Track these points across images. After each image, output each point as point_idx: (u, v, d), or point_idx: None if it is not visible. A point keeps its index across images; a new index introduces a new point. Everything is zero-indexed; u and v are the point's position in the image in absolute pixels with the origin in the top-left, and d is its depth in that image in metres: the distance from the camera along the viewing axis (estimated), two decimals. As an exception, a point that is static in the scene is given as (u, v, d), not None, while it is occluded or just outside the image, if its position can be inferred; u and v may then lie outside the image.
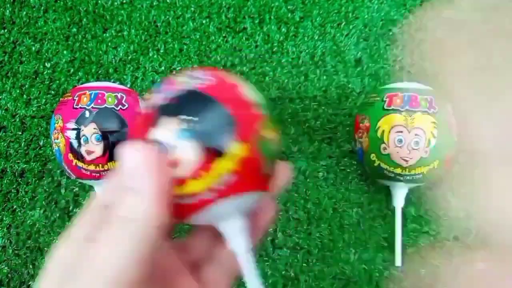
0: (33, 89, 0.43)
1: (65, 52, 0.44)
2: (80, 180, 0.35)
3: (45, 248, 0.38)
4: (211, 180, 0.17)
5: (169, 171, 0.17)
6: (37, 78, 0.43)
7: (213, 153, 0.17)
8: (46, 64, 0.43)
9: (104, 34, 0.44)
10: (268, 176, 0.19)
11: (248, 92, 0.19)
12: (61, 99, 0.35)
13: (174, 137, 0.17)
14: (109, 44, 0.44)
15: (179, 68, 0.44)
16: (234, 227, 0.19)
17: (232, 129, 0.18)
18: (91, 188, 0.39)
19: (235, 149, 0.17)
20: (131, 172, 0.17)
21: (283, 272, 0.38)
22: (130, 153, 0.17)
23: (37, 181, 0.40)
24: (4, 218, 0.39)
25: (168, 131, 0.17)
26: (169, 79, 0.19)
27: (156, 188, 0.16)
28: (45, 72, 0.43)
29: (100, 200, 0.18)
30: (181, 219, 0.19)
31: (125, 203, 0.17)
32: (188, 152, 0.17)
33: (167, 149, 0.17)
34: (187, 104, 0.18)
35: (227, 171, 0.17)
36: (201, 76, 0.19)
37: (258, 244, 0.24)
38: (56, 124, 0.34)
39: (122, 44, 0.44)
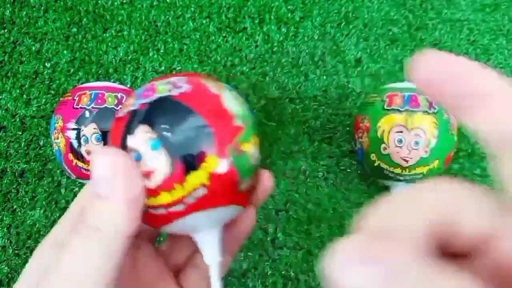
0: (33, 89, 0.43)
1: (65, 52, 0.44)
2: (80, 180, 0.35)
3: (45, 248, 0.38)
4: (183, 193, 0.17)
5: (141, 180, 0.17)
6: (37, 78, 0.43)
7: (186, 166, 0.17)
8: (46, 64, 0.43)
9: (104, 34, 0.44)
10: (245, 190, 0.19)
11: (229, 102, 0.19)
12: (61, 99, 0.35)
13: (147, 146, 0.17)
14: (109, 44, 0.44)
15: (179, 68, 0.44)
16: (205, 239, 0.19)
17: (207, 141, 0.17)
18: (91, 188, 0.39)
19: (210, 163, 0.17)
20: (102, 179, 0.16)
21: (283, 272, 0.38)
22: (102, 160, 0.16)
23: (37, 181, 0.40)
24: (4, 218, 0.39)
25: (142, 139, 0.17)
26: (149, 84, 0.19)
27: (127, 197, 0.16)
28: (45, 72, 0.43)
29: (79, 203, 0.18)
30: (154, 228, 0.19)
31: (93, 211, 0.16)
32: (160, 163, 0.17)
33: (140, 158, 0.17)
34: (162, 112, 0.17)
35: (200, 184, 0.17)
36: (182, 84, 0.18)
37: (234, 256, 0.23)
38: (56, 124, 0.34)
39: (122, 44, 0.44)
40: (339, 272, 0.10)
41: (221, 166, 0.17)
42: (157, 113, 0.17)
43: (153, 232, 0.23)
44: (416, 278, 0.09)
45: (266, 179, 0.21)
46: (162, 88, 0.18)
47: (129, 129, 0.17)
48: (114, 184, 0.16)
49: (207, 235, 0.19)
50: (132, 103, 0.18)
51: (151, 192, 0.17)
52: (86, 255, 0.15)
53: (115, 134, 0.18)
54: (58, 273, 0.15)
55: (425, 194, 0.12)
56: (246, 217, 0.22)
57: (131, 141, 0.17)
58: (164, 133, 0.17)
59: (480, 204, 0.12)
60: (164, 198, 0.17)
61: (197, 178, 0.17)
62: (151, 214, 0.18)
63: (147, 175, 0.17)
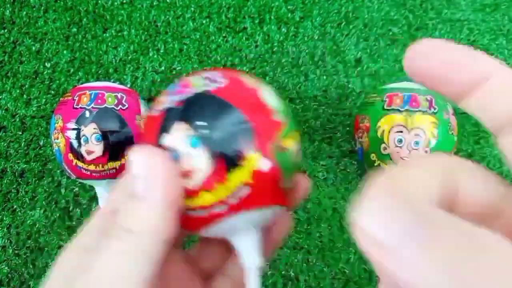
0: (33, 89, 0.43)
1: (65, 52, 0.44)
2: (80, 180, 0.35)
3: (45, 248, 0.38)
4: (224, 193, 0.16)
5: (180, 180, 0.16)
6: (37, 78, 0.43)
7: (227, 164, 0.16)
8: (46, 64, 0.43)
9: (104, 34, 0.44)
10: (287, 189, 0.18)
11: (268, 97, 0.18)
12: (61, 99, 0.35)
13: (186, 144, 0.16)
14: (109, 44, 0.44)
15: (179, 68, 0.44)
16: (246, 242, 0.18)
17: (249, 137, 0.16)
18: (91, 188, 0.39)
19: (252, 160, 0.16)
20: (139, 178, 0.15)
21: (283, 272, 0.38)
22: (140, 158, 0.16)
23: (37, 181, 0.40)
24: (4, 218, 0.39)
25: (180, 137, 0.16)
26: (184, 80, 0.18)
27: (165, 199, 0.15)
28: (45, 72, 0.43)
29: (107, 205, 0.17)
30: (191, 231, 0.18)
31: (128, 212, 0.15)
32: (200, 161, 0.16)
33: (179, 157, 0.16)
34: (200, 108, 0.16)
35: (241, 183, 0.16)
36: (218, 79, 0.17)
37: (268, 261, 0.22)
38: (56, 124, 0.34)
39: (122, 44, 0.44)
40: (367, 223, 0.10)
41: (264, 163, 0.16)
42: (195, 109, 0.16)
43: (182, 235, 0.22)
44: (438, 226, 0.09)
45: (303, 180, 0.20)
46: (198, 83, 0.17)
47: (165, 127, 0.16)
48: (152, 184, 0.15)
49: (247, 237, 0.18)
50: (166, 101, 0.17)
51: (190, 193, 0.16)
52: (119, 259, 0.14)
53: (149, 133, 0.17)
54: (88, 277, 0.14)
55: (433, 160, 0.11)
56: (283, 220, 0.20)
57: (168, 139, 0.16)
58: (203, 129, 0.16)
59: (484, 175, 0.12)
60: (205, 199, 0.16)
61: (238, 177, 0.16)
62: (189, 216, 0.17)
63: (186, 174, 0.16)
